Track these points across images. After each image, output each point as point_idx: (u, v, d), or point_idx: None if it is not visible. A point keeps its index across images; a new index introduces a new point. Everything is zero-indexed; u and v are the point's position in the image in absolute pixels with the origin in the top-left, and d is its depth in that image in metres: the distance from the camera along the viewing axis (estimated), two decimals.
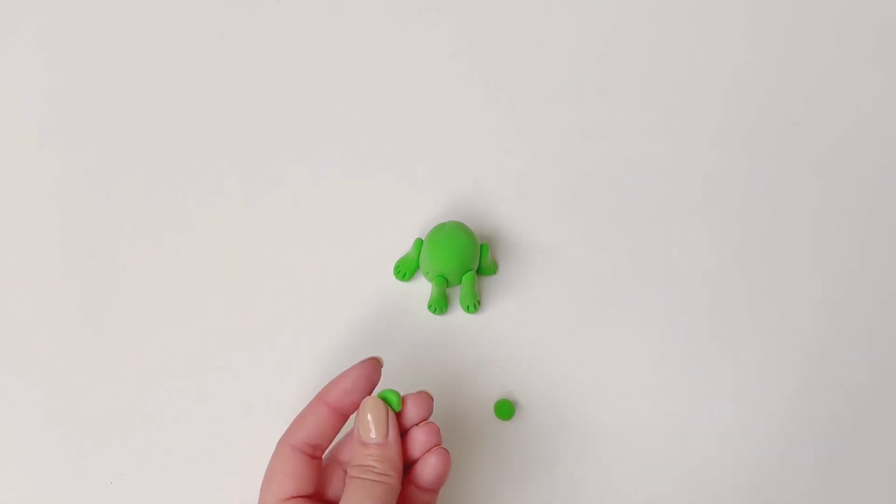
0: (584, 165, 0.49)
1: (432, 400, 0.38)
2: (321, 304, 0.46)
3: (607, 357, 0.45)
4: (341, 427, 0.38)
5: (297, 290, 0.46)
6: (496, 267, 0.47)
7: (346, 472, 0.37)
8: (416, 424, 0.37)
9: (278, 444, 0.37)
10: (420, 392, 0.37)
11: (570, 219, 0.48)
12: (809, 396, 0.45)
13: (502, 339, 0.45)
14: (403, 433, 0.37)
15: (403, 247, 0.47)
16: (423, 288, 0.46)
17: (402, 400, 0.37)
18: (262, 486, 0.37)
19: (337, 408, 0.37)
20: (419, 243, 0.45)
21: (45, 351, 0.45)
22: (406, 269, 0.46)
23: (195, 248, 0.47)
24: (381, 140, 0.49)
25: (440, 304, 0.45)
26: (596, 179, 0.49)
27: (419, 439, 0.37)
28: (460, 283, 0.45)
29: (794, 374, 0.45)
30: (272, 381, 0.44)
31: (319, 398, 0.37)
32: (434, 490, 0.38)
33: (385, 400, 0.37)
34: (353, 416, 0.38)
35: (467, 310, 0.45)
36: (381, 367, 0.38)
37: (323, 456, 0.38)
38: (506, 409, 0.44)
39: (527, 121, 0.50)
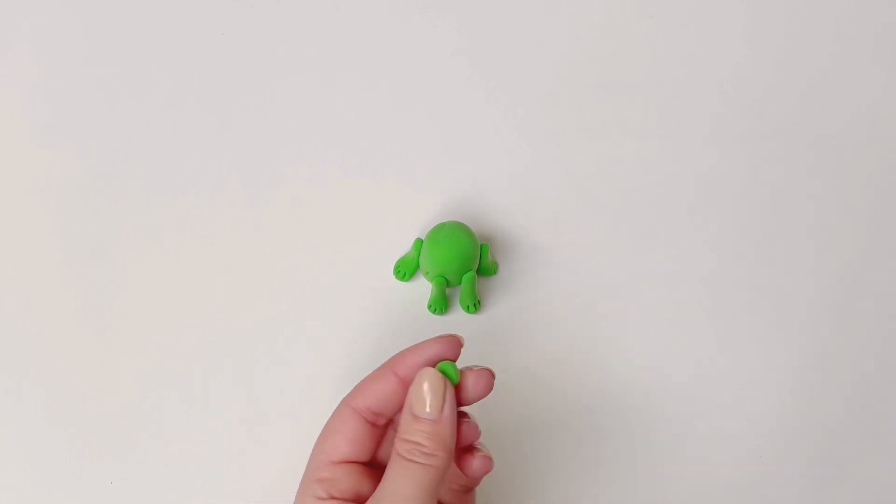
0: (585, 165, 0.49)
1: (494, 377, 0.34)
2: (321, 304, 0.46)
3: (607, 357, 0.45)
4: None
5: (297, 289, 0.46)
6: (496, 267, 0.47)
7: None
8: (471, 403, 0.34)
9: (340, 404, 0.35)
10: (482, 368, 0.34)
11: (570, 219, 0.48)
12: (811, 395, 0.45)
13: (502, 339, 0.45)
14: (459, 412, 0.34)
15: (403, 247, 0.47)
16: (423, 288, 0.46)
17: (461, 374, 0.34)
18: (316, 442, 0.36)
19: (405, 381, 0.34)
20: (419, 243, 0.45)
21: (45, 351, 0.45)
22: (406, 269, 0.46)
23: (195, 248, 0.47)
24: (381, 140, 0.49)
25: (440, 304, 0.45)
26: (596, 179, 0.49)
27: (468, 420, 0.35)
28: (460, 283, 0.45)
29: (795, 373, 0.45)
30: (272, 381, 0.44)
31: (388, 366, 0.35)
32: (469, 489, 0.37)
33: (442, 372, 0.33)
34: None
35: (467, 310, 0.45)
36: (461, 347, 0.35)
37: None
38: None
39: (527, 121, 0.50)
